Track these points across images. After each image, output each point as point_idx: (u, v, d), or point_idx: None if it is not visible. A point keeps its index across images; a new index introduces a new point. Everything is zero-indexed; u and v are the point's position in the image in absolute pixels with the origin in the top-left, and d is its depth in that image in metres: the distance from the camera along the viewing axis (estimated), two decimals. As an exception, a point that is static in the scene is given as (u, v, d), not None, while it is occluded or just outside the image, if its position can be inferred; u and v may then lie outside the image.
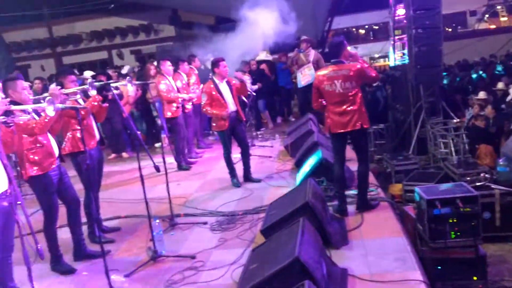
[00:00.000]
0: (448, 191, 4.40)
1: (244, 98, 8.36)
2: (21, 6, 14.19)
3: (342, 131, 4.80)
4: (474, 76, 14.16)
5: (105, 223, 5.35)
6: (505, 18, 25.08)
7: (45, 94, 4.77)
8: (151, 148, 8.93)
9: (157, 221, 4.49)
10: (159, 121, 9.21)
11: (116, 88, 4.98)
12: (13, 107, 3.44)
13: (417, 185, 5.44)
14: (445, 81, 12.36)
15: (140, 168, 4.33)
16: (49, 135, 4.26)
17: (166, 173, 5.09)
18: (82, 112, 4.40)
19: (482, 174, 6.00)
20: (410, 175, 7.08)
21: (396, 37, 10.57)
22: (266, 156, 7.75)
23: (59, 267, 4.38)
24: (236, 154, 6.63)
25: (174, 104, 7.45)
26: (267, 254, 3.55)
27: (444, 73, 12.28)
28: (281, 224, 4.03)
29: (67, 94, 4.42)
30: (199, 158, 8.26)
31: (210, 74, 6.36)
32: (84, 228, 4.81)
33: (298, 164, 6.40)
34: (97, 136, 4.96)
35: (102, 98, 4.79)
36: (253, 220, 5.04)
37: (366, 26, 26.19)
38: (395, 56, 10.76)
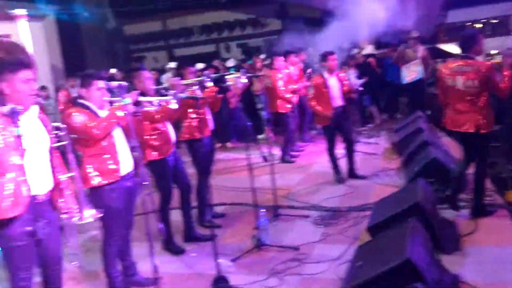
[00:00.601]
0: None
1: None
2: (140, 1, 15.20)
3: (456, 130, 4.54)
4: None
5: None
6: None
7: (165, 85, 5.10)
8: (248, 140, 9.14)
9: (263, 210, 4.61)
10: (263, 114, 9.41)
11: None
12: (141, 98, 3.72)
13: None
14: None
15: (248, 158, 4.47)
16: (167, 123, 4.55)
17: (272, 164, 5.19)
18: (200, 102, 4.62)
19: None
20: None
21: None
22: (370, 153, 7.57)
23: (170, 246, 4.65)
24: (340, 150, 6.56)
25: (288, 97, 7.51)
26: (375, 252, 3.48)
27: None
28: (389, 223, 3.92)
29: (186, 85, 4.68)
30: (301, 152, 8.30)
31: (311, 69, 6.32)
32: (194, 212, 5.08)
33: (406, 163, 6.17)
34: (211, 126, 5.19)
35: (218, 89, 5.00)
36: (357, 217, 4.96)
37: (484, 20, 24.33)
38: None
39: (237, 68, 10.17)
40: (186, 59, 12.70)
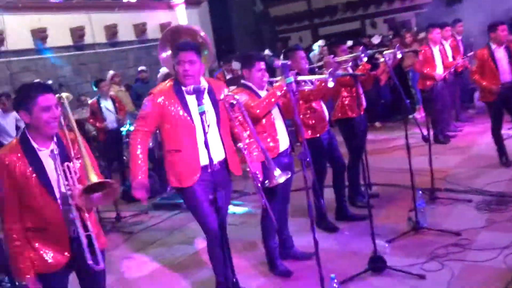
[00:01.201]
0: None
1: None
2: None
3: None
4: None
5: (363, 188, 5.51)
6: None
7: (319, 64, 5.12)
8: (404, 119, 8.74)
9: (420, 192, 4.42)
10: (414, 91, 8.94)
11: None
12: (299, 78, 3.78)
13: None
14: None
15: (405, 138, 4.29)
16: (321, 101, 4.57)
17: (430, 145, 4.91)
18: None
19: None
20: None
21: None
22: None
23: (324, 224, 4.71)
24: (506, 130, 5.97)
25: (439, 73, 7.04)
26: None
27: None
28: None
29: (339, 63, 4.63)
30: (458, 132, 7.73)
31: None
32: (346, 191, 5.06)
33: None
34: (364, 104, 5.09)
35: (371, 66, 4.87)
36: (529, 204, 4.49)
37: None
38: None
39: (383, 44, 9.78)
40: (330, 37, 12.55)
